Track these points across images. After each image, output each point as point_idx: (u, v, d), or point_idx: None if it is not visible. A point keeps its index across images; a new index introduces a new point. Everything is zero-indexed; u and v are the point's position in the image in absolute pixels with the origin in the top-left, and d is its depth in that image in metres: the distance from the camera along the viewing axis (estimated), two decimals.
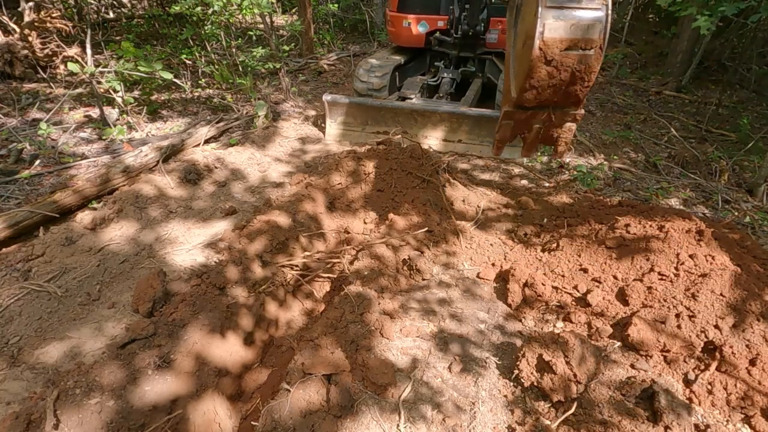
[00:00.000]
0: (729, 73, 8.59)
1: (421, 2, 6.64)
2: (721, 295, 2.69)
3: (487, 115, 5.62)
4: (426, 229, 3.82)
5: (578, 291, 3.12)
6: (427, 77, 7.07)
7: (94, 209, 4.14)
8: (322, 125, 6.24)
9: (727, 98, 8.16)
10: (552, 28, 2.16)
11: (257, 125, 6.26)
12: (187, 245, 3.90)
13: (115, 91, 5.98)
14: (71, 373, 2.51)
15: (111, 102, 6.31)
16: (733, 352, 2.48)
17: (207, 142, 5.72)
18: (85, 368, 2.55)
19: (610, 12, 2.15)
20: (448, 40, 6.56)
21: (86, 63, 6.13)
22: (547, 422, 2.36)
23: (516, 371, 2.58)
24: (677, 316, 2.68)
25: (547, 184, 5.11)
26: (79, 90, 7.10)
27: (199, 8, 7.04)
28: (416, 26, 6.78)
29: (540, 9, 2.16)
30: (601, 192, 4.97)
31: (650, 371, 2.57)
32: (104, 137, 5.71)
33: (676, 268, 2.92)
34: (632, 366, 2.60)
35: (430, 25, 6.63)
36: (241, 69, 7.78)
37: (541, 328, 2.99)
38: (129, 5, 11.26)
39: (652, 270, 2.96)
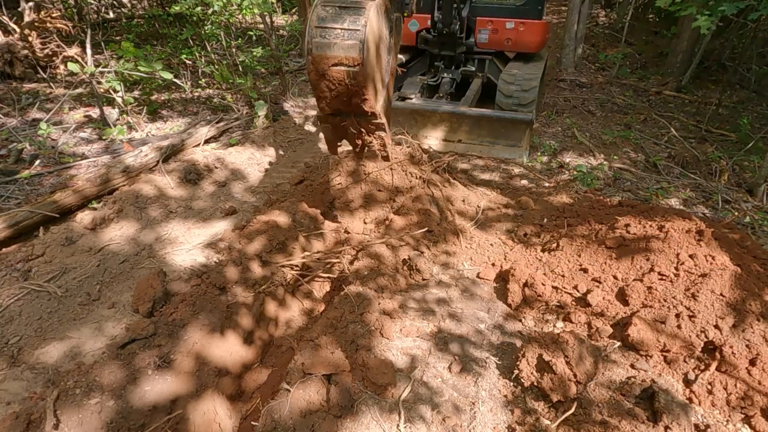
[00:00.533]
0: (729, 73, 8.59)
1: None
2: (721, 295, 2.69)
3: (487, 115, 5.62)
4: (426, 229, 3.82)
5: (578, 291, 3.12)
6: (427, 77, 7.07)
7: (94, 209, 4.14)
8: None
9: (727, 98, 8.15)
10: (318, 45, 2.39)
11: (257, 125, 6.26)
12: (187, 245, 3.90)
13: (115, 91, 5.98)
14: (71, 373, 2.51)
15: (111, 102, 6.31)
16: (733, 352, 2.48)
17: (207, 142, 5.72)
18: (85, 368, 2.55)
19: (367, 33, 2.36)
20: (430, 38, 6.57)
21: (86, 63, 6.13)
22: (547, 422, 2.36)
23: (516, 371, 2.58)
24: (677, 316, 2.68)
25: (547, 184, 5.11)
26: (79, 90, 7.11)
27: (199, 8, 7.04)
28: (407, 24, 6.80)
29: (309, 28, 2.39)
30: (601, 192, 4.97)
31: (650, 371, 2.57)
32: (104, 137, 5.71)
33: (676, 268, 2.92)
34: (632, 366, 2.60)
35: (420, 24, 6.63)
36: (241, 69, 7.78)
37: (541, 328, 2.99)
38: (129, 5, 11.26)
39: (652, 270, 2.96)
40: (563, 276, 3.25)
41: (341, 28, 2.38)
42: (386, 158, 3.34)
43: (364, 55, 2.38)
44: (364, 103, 2.69)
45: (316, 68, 2.47)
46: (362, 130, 2.98)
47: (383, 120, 2.87)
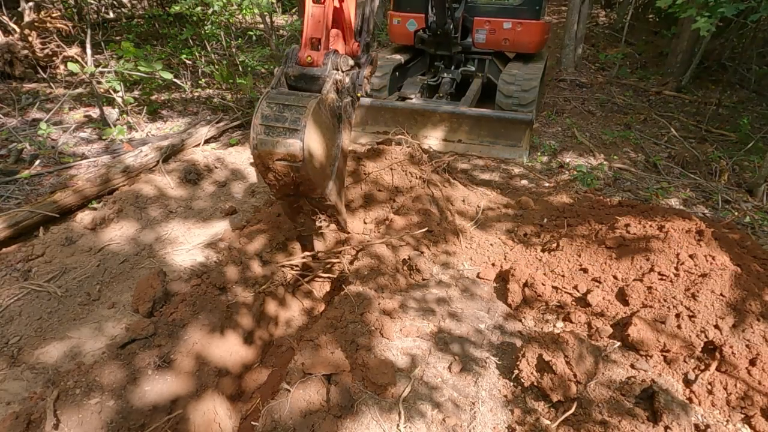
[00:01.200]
0: (729, 73, 8.60)
1: (411, 1, 6.66)
2: (721, 295, 2.69)
3: (487, 115, 5.62)
4: (426, 228, 3.82)
5: (578, 291, 3.12)
6: (427, 77, 7.07)
7: (94, 209, 4.14)
8: None
9: (727, 98, 8.16)
10: (262, 142, 2.49)
11: None
12: (187, 245, 3.90)
13: (115, 91, 5.98)
14: (71, 373, 2.51)
15: (111, 102, 6.31)
16: (733, 352, 2.48)
17: (207, 142, 5.72)
18: (85, 368, 2.55)
19: (307, 133, 2.45)
20: (426, 38, 6.58)
21: (86, 63, 6.13)
22: (547, 422, 2.36)
23: (516, 371, 2.58)
24: (677, 316, 2.68)
25: (547, 184, 5.11)
26: (79, 90, 7.10)
27: (199, 8, 7.04)
28: (405, 24, 6.81)
29: (253, 124, 2.51)
30: (601, 192, 4.97)
31: (650, 371, 2.57)
32: (104, 137, 5.71)
33: (676, 268, 2.92)
34: (632, 366, 2.60)
35: (418, 24, 6.64)
36: (241, 69, 7.78)
37: (541, 328, 2.99)
38: (129, 5, 11.26)
39: (652, 270, 2.96)
40: (563, 276, 3.25)
41: (283, 127, 2.47)
42: (343, 230, 3.47)
43: (305, 154, 2.47)
44: (312, 191, 2.81)
45: (262, 162, 2.57)
46: (315, 209, 3.08)
47: (334, 202, 2.95)
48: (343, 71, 2.78)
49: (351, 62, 2.86)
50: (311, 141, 2.52)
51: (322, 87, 2.67)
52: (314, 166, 2.61)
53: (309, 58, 2.70)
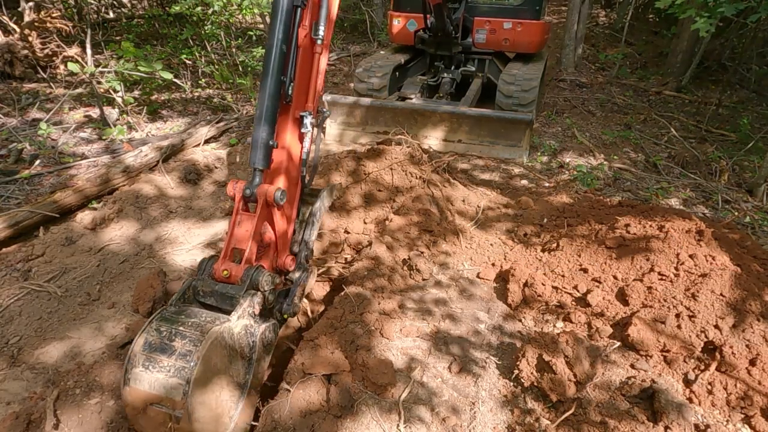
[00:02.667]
0: (729, 73, 8.60)
1: (411, 1, 6.67)
2: (721, 295, 2.69)
3: (487, 115, 5.62)
4: (426, 228, 3.82)
5: (578, 291, 3.12)
6: (427, 77, 7.07)
7: (94, 209, 4.14)
8: (322, 125, 6.23)
9: (727, 98, 8.15)
10: (136, 377, 1.87)
11: None
12: (188, 245, 3.91)
13: (115, 91, 5.98)
14: (71, 373, 2.52)
15: (111, 102, 6.31)
16: (733, 352, 2.48)
17: (207, 142, 5.72)
18: (85, 368, 2.55)
19: (197, 374, 1.85)
20: (426, 38, 6.58)
21: (86, 63, 6.13)
22: (547, 422, 2.36)
23: (516, 371, 2.58)
24: (677, 316, 2.68)
25: (547, 184, 5.11)
26: (79, 90, 7.11)
27: (199, 8, 7.04)
28: (405, 24, 6.82)
29: (132, 353, 1.90)
30: (601, 192, 4.97)
31: (650, 371, 2.57)
32: (104, 137, 5.71)
33: (676, 268, 2.92)
34: (632, 366, 2.60)
35: (418, 24, 6.65)
36: (241, 69, 7.78)
37: (541, 328, 2.99)
38: (129, 5, 11.26)
39: (652, 270, 2.96)
40: (563, 276, 3.25)
41: (168, 362, 1.87)
42: None
43: (190, 402, 1.84)
44: None
45: (132, 403, 1.92)
46: None
47: None
48: (265, 290, 2.23)
49: (277, 279, 2.34)
50: (202, 384, 1.90)
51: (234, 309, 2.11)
52: (202, 417, 1.93)
53: (225, 272, 2.21)
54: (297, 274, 2.69)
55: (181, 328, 1.96)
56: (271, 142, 2.29)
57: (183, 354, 1.87)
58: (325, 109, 2.80)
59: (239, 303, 2.10)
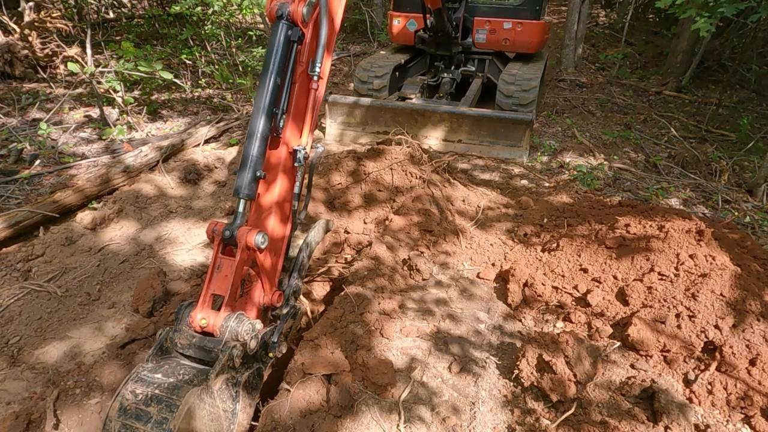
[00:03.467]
0: (729, 73, 8.59)
1: (411, 1, 6.67)
2: (721, 295, 2.69)
3: (487, 115, 5.62)
4: (426, 228, 3.82)
5: (578, 291, 3.12)
6: (427, 77, 7.07)
7: (94, 209, 4.14)
8: (322, 125, 6.25)
9: (727, 98, 8.16)
10: None
11: None
12: (188, 245, 3.91)
13: (115, 91, 5.98)
14: (71, 373, 2.52)
15: (111, 102, 6.31)
16: (733, 352, 2.48)
17: (207, 142, 5.72)
18: (85, 368, 2.55)
19: None
20: (426, 38, 6.58)
21: (86, 63, 6.14)
22: (547, 422, 2.36)
23: (516, 371, 2.58)
24: (677, 316, 2.68)
25: (547, 184, 5.11)
26: (79, 90, 7.11)
27: (199, 8, 7.04)
28: (405, 24, 6.83)
29: (108, 417, 1.82)
30: (601, 192, 4.97)
31: (650, 371, 2.57)
32: (104, 137, 5.71)
33: (676, 268, 2.92)
34: (632, 366, 2.60)
35: (418, 24, 6.65)
36: (241, 69, 7.78)
37: (541, 328, 2.99)
38: (129, 5, 11.26)
39: (652, 270, 2.96)
40: (563, 276, 3.25)
41: (143, 430, 1.80)
42: None
43: None
44: None
45: None
46: None
47: None
48: (246, 340, 2.05)
49: (259, 326, 2.17)
50: None
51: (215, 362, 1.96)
52: None
53: (203, 321, 2.04)
54: (285, 311, 2.52)
55: (156, 391, 1.84)
56: (258, 173, 2.17)
57: (159, 422, 1.77)
58: (318, 146, 2.67)
59: (218, 358, 1.94)
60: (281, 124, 2.33)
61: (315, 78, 2.43)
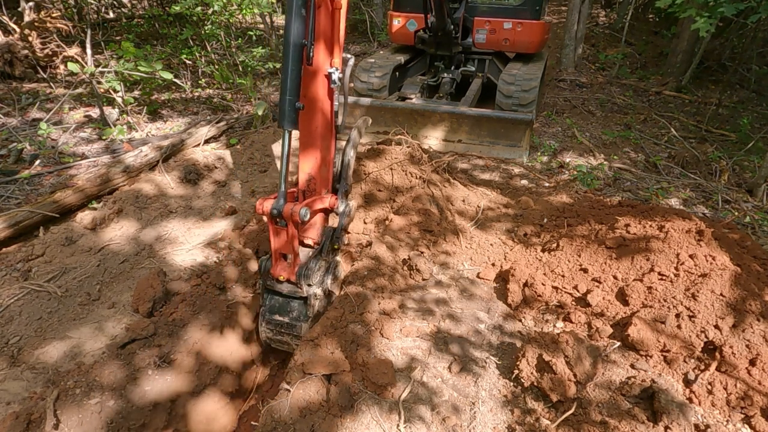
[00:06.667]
0: (729, 73, 8.59)
1: (411, 1, 6.67)
2: (721, 295, 2.69)
3: (487, 115, 5.62)
4: (426, 228, 3.82)
5: (578, 291, 3.12)
6: (427, 77, 7.07)
7: (94, 209, 4.14)
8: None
9: (727, 98, 8.15)
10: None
11: (257, 125, 6.26)
12: (187, 245, 3.90)
13: (115, 91, 5.98)
14: (71, 373, 2.52)
15: (111, 102, 6.31)
16: (733, 352, 2.48)
17: (207, 141, 5.72)
18: (85, 368, 2.55)
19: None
20: (426, 38, 6.58)
21: (86, 63, 6.14)
22: (547, 422, 2.36)
23: (516, 371, 2.58)
24: (677, 316, 2.68)
25: (547, 184, 5.11)
26: (79, 90, 7.10)
27: (199, 8, 7.04)
28: (405, 24, 6.82)
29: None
30: (601, 192, 4.97)
31: (650, 371, 2.57)
32: (104, 137, 5.71)
33: (676, 268, 2.92)
34: (632, 366, 2.60)
35: (418, 24, 6.64)
36: (241, 69, 7.78)
37: (541, 328, 2.99)
38: (129, 5, 11.26)
39: (652, 270, 2.96)
40: (563, 276, 3.25)
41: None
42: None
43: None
44: None
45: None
46: None
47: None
48: (312, 283, 2.86)
49: (321, 271, 2.94)
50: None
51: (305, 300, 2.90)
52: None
53: (282, 276, 2.78)
54: (342, 208, 3.15)
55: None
56: (297, 105, 2.43)
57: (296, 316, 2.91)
58: (348, 56, 2.92)
59: (307, 301, 2.90)
60: (311, 54, 2.53)
61: None
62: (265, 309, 2.96)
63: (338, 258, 3.14)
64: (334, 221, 3.21)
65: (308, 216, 2.56)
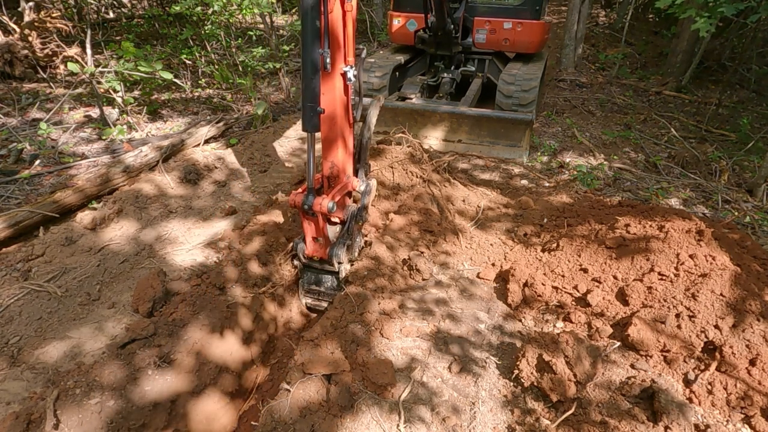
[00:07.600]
0: (729, 73, 8.59)
1: (411, 1, 6.67)
2: (721, 295, 2.69)
3: (487, 115, 5.62)
4: (426, 228, 3.82)
5: (578, 291, 3.12)
6: (427, 77, 7.07)
7: (94, 209, 4.13)
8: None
9: (727, 98, 8.15)
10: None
11: (257, 125, 6.26)
12: (187, 245, 3.90)
13: (115, 91, 5.98)
14: (71, 373, 2.51)
15: (111, 102, 6.31)
16: (733, 352, 2.48)
17: (207, 142, 5.72)
18: (85, 368, 2.55)
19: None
20: (426, 38, 6.58)
21: (86, 63, 6.14)
22: (547, 422, 2.36)
23: (516, 371, 2.58)
24: (677, 316, 2.68)
25: (547, 184, 5.11)
26: (79, 90, 7.10)
27: (199, 8, 7.04)
28: (405, 24, 6.82)
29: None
30: (601, 192, 4.97)
31: (650, 371, 2.57)
32: (104, 137, 5.71)
33: (676, 268, 2.92)
34: (632, 366, 2.60)
35: (418, 24, 6.64)
36: (241, 69, 7.78)
37: (541, 328, 2.99)
38: (129, 5, 11.26)
39: (652, 270, 2.96)
40: (563, 276, 3.25)
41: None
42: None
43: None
44: None
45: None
46: None
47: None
48: (342, 261, 3.30)
49: (343, 254, 3.26)
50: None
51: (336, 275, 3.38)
52: None
53: (315, 256, 3.27)
54: (362, 187, 3.48)
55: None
56: (318, 109, 2.68)
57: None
58: (360, 47, 3.10)
59: (338, 275, 3.38)
60: (328, 60, 2.72)
61: (348, 1, 2.76)
62: (304, 281, 3.53)
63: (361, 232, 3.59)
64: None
65: (335, 208, 2.94)
